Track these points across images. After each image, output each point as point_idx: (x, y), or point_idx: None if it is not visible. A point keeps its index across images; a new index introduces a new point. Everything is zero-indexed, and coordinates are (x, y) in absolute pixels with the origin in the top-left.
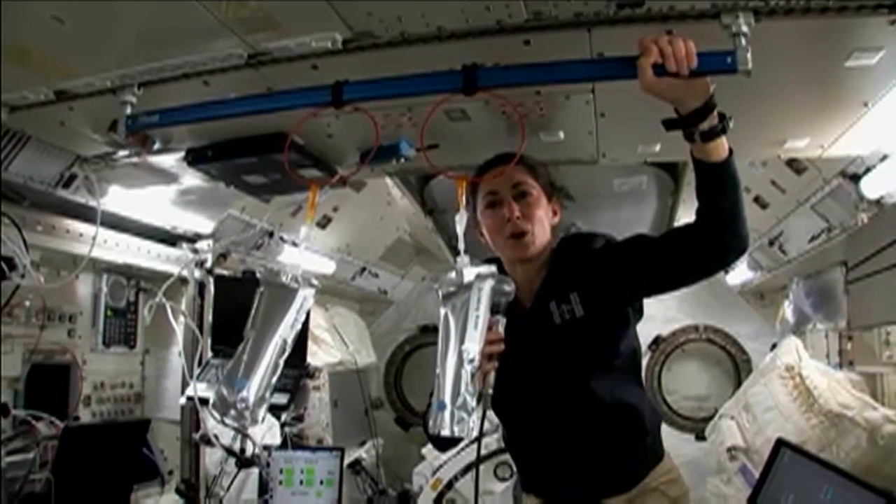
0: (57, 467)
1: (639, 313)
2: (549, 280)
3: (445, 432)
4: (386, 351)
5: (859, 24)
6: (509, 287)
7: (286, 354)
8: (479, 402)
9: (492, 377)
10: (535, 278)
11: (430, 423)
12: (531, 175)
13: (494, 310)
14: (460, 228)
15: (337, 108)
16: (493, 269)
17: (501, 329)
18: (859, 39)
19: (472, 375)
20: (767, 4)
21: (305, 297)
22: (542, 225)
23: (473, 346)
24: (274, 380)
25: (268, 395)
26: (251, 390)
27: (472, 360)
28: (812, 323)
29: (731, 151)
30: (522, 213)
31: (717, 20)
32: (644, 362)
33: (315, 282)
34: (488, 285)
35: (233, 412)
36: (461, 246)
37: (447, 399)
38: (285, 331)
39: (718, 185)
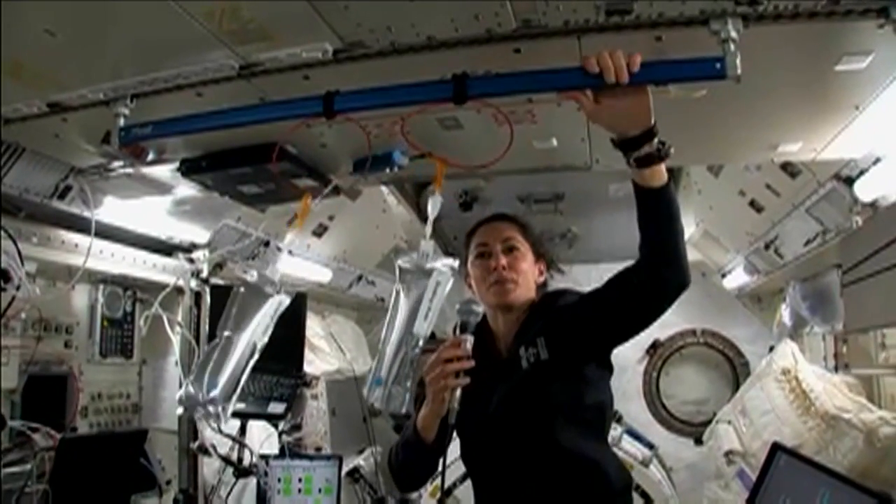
0: (54, 478)
1: (608, 368)
2: (522, 328)
3: (378, 406)
4: None
5: (848, 28)
6: (477, 307)
7: (255, 358)
8: (447, 416)
9: (458, 392)
10: (513, 328)
11: (364, 394)
12: (521, 232)
13: (462, 329)
14: (432, 211)
15: (328, 118)
16: (454, 264)
17: (469, 346)
18: (848, 44)
19: (412, 361)
20: (756, 10)
21: (280, 302)
22: (526, 278)
23: (421, 334)
24: (242, 380)
25: (235, 395)
26: (218, 390)
27: (415, 346)
28: (809, 326)
29: (669, 181)
30: (508, 265)
31: (706, 26)
32: (641, 367)
33: (291, 290)
34: (446, 279)
35: (200, 410)
36: (428, 231)
37: (383, 375)
38: (256, 335)
39: (653, 213)
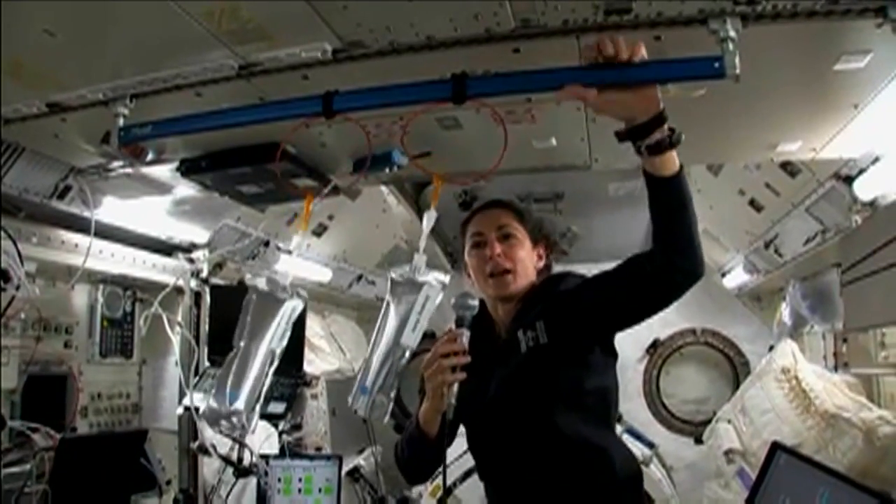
0: (54, 478)
1: (611, 354)
2: (520, 312)
3: (361, 413)
4: None
5: (847, 27)
6: (473, 301)
7: (275, 364)
8: (444, 413)
9: (455, 388)
10: (513, 313)
11: (349, 401)
12: (517, 218)
13: (458, 323)
14: (426, 226)
15: (328, 118)
16: (445, 278)
17: (465, 342)
18: (847, 43)
19: (398, 372)
20: (754, 10)
21: (294, 307)
22: (525, 265)
23: (409, 345)
24: (264, 389)
25: (258, 405)
26: (242, 401)
27: (402, 357)
28: (809, 325)
29: (681, 168)
30: (505, 253)
31: (705, 26)
32: (642, 366)
33: (303, 293)
34: (436, 294)
35: (225, 423)
36: (422, 245)
37: (369, 384)
38: (273, 341)
39: (666, 203)
